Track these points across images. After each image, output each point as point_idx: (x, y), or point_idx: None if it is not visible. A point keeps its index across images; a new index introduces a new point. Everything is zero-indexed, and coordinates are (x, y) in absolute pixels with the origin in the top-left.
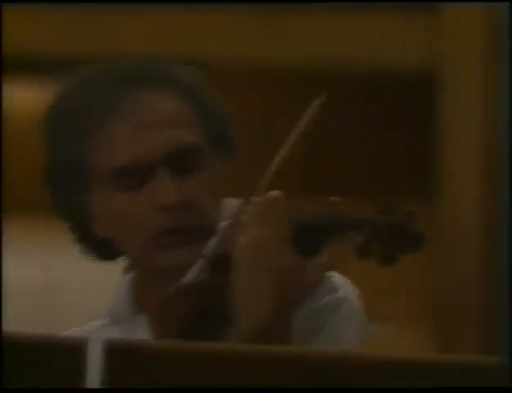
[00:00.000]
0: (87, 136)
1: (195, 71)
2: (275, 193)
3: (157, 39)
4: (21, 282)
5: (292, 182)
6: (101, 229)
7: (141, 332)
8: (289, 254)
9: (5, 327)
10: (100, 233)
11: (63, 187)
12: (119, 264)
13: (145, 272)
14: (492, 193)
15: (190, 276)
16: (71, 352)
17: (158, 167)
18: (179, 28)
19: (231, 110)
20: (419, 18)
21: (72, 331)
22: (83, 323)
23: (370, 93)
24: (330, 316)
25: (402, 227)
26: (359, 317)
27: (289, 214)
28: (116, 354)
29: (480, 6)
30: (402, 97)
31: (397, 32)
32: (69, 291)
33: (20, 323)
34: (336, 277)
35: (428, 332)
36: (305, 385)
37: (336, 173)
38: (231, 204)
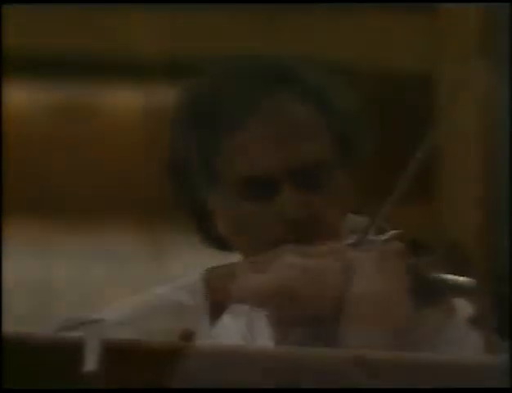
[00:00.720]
0: (217, 137)
1: (326, 72)
2: (397, 246)
3: (158, 38)
4: (21, 282)
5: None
6: (221, 227)
7: (260, 329)
8: (404, 308)
9: (5, 327)
10: (219, 230)
11: (187, 185)
12: (118, 265)
13: None
14: (493, 193)
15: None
16: (69, 351)
17: (285, 182)
18: (179, 27)
19: None
20: (419, 18)
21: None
22: None
23: (369, 93)
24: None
25: None
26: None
27: (407, 266)
28: (114, 353)
29: (480, 6)
30: (402, 97)
31: (397, 32)
32: (68, 290)
33: (19, 323)
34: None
35: None
36: (304, 384)
37: None
38: (354, 221)
